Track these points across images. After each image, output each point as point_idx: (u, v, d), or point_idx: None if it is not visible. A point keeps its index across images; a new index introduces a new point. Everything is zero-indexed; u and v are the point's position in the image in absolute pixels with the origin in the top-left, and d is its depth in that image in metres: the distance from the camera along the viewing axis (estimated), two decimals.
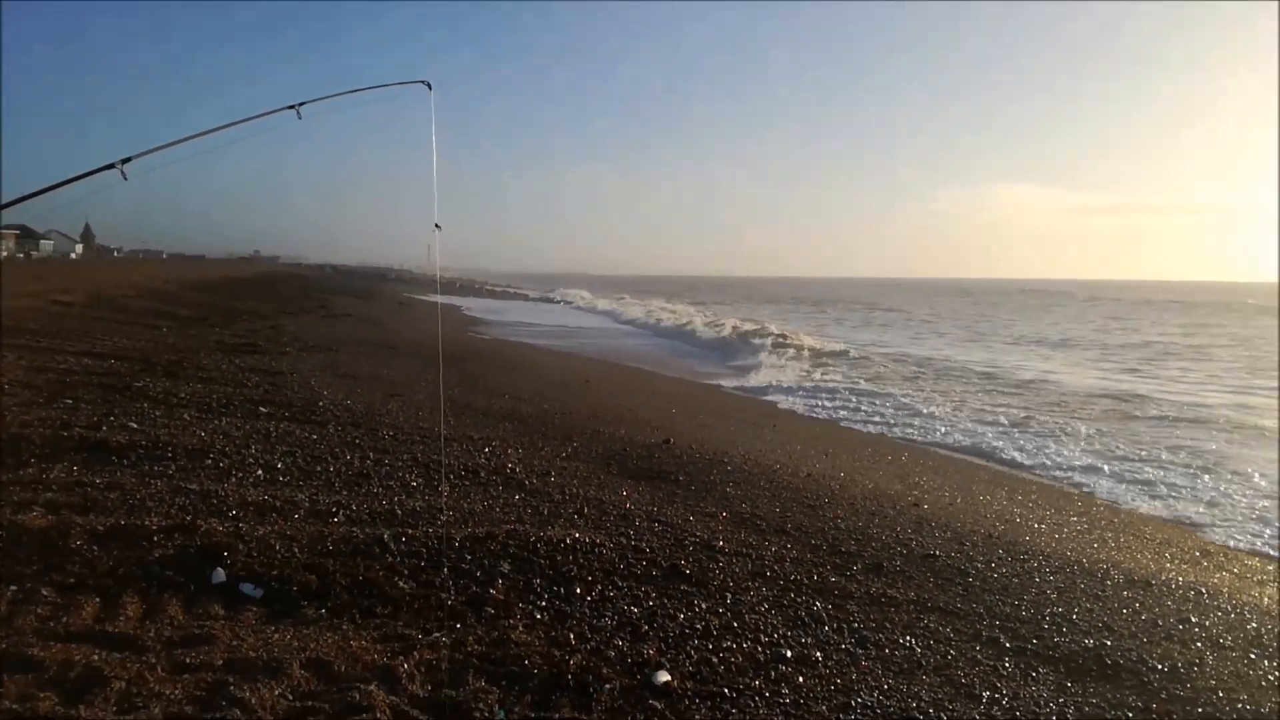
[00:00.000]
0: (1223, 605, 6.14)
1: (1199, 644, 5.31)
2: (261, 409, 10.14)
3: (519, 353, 24.52)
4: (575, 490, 7.64)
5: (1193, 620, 5.72)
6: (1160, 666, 4.86)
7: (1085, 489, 11.24)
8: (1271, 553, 8.63)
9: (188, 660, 4.04)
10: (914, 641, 4.95)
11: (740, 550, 6.33)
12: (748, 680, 4.30)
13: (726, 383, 21.79)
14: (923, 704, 4.21)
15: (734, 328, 38.07)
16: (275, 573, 5.09)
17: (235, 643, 4.26)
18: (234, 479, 7.03)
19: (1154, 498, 10.80)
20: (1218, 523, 9.70)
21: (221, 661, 4.06)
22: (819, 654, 4.65)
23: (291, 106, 4.17)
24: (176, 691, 3.75)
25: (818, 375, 23.11)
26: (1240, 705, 4.47)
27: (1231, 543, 8.95)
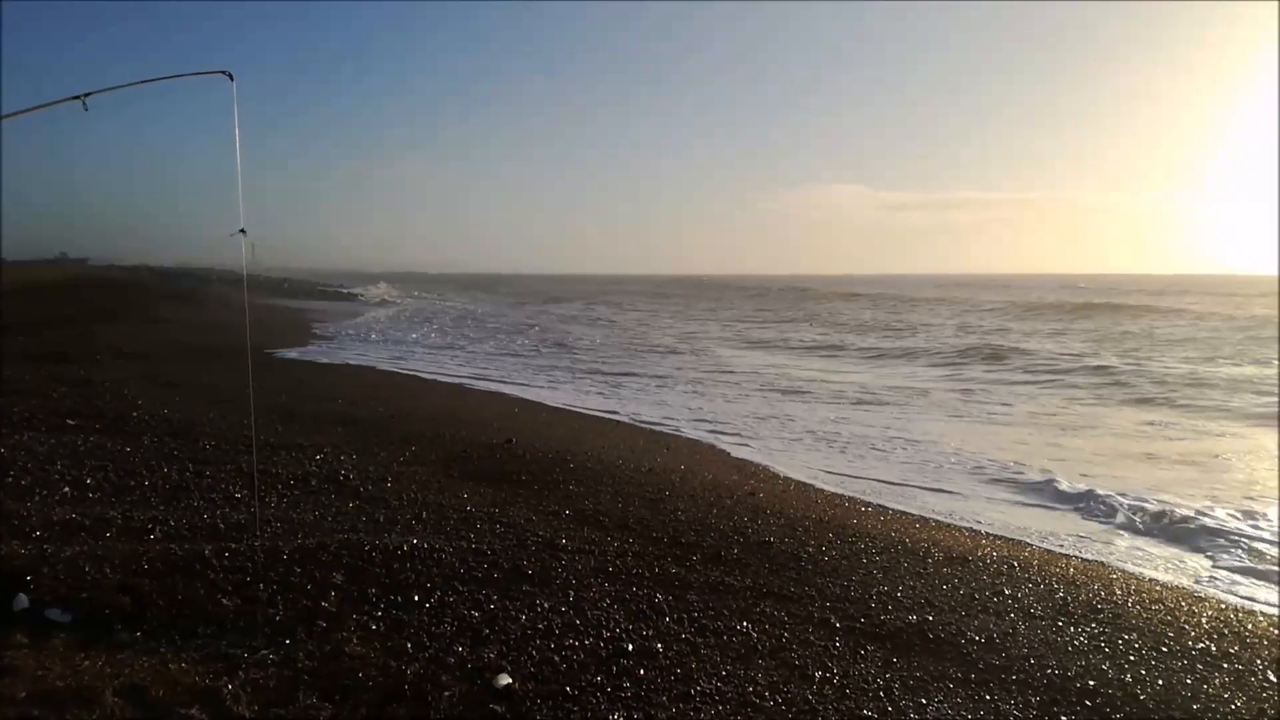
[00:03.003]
0: (1033, 577, 6.58)
1: (1012, 615, 5.67)
2: (69, 421, 9.47)
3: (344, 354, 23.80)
4: (414, 495, 7.47)
5: (1006, 593, 6.11)
6: (978, 638, 5.17)
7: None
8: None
9: None
10: (750, 627, 5.09)
11: (583, 547, 6.35)
12: (590, 677, 4.31)
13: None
14: (759, 688, 4.32)
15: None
16: (85, 596, 4.77)
17: (41, 673, 3.97)
18: (37, 497, 6.53)
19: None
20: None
21: (25, 694, 3.78)
22: (660, 645, 4.72)
23: (77, 97, 3.87)
24: None
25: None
26: (1050, 671, 4.79)
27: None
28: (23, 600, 4.69)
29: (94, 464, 7.61)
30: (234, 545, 5.66)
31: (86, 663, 4.12)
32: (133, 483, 7.15)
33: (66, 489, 6.81)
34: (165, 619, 4.64)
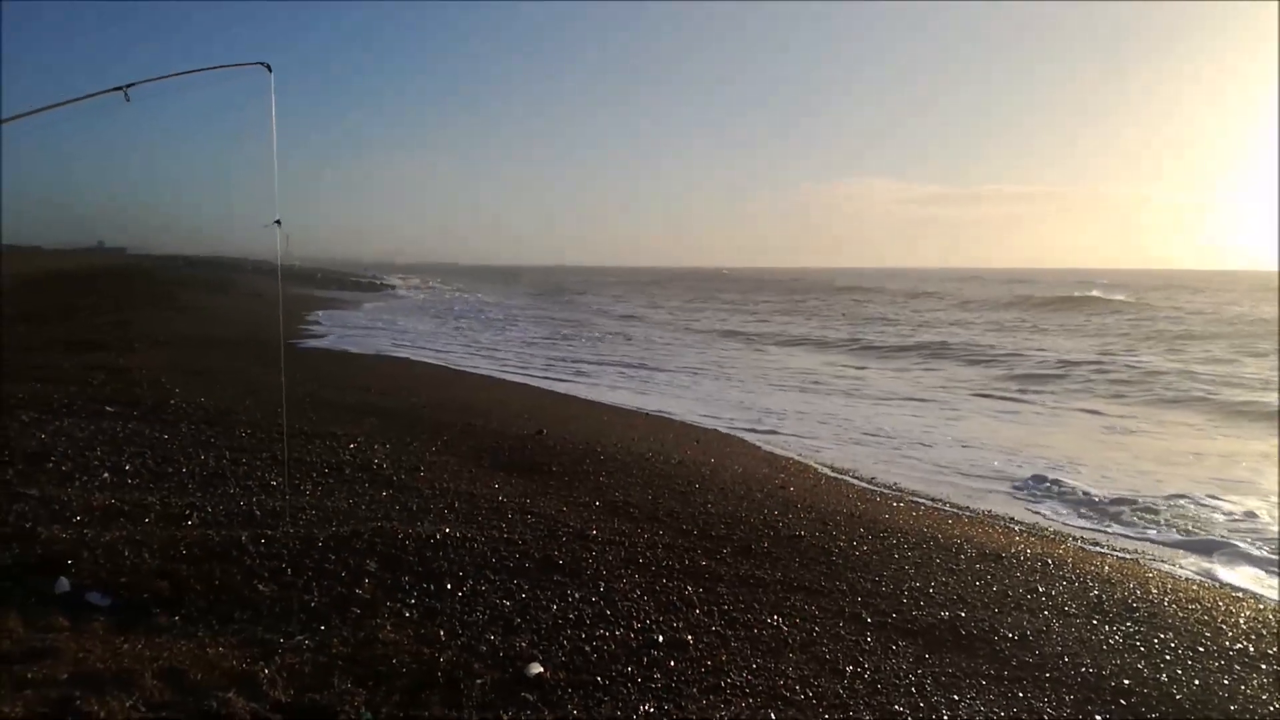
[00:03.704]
0: (1067, 575, 6.51)
1: (1046, 612, 5.62)
2: (108, 408, 9.60)
3: (378, 348, 23.98)
4: (446, 484, 7.52)
5: (1040, 590, 6.05)
6: (1011, 635, 5.12)
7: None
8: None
9: (29, 675, 3.79)
10: (781, 620, 5.08)
11: (613, 539, 6.36)
12: (620, 667, 4.32)
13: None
14: (789, 681, 4.32)
15: None
16: (124, 580, 4.83)
17: (82, 655, 4.02)
18: (78, 483, 6.63)
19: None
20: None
21: (66, 675, 3.83)
22: (690, 637, 4.71)
23: (119, 88, 3.92)
24: (17, 709, 3.51)
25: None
26: (1084, 669, 4.74)
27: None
28: (64, 584, 4.76)
29: (133, 450, 7.72)
30: (270, 532, 5.72)
31: (126, 646, 4.18)
32: (170, 469, 7.25)
33: (106, 475, 6.92)
34: (203, 604, 4.70)
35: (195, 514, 6.09)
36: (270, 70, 4.42)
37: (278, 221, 4.81)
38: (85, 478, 6.79)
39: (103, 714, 3.52)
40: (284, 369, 7.80)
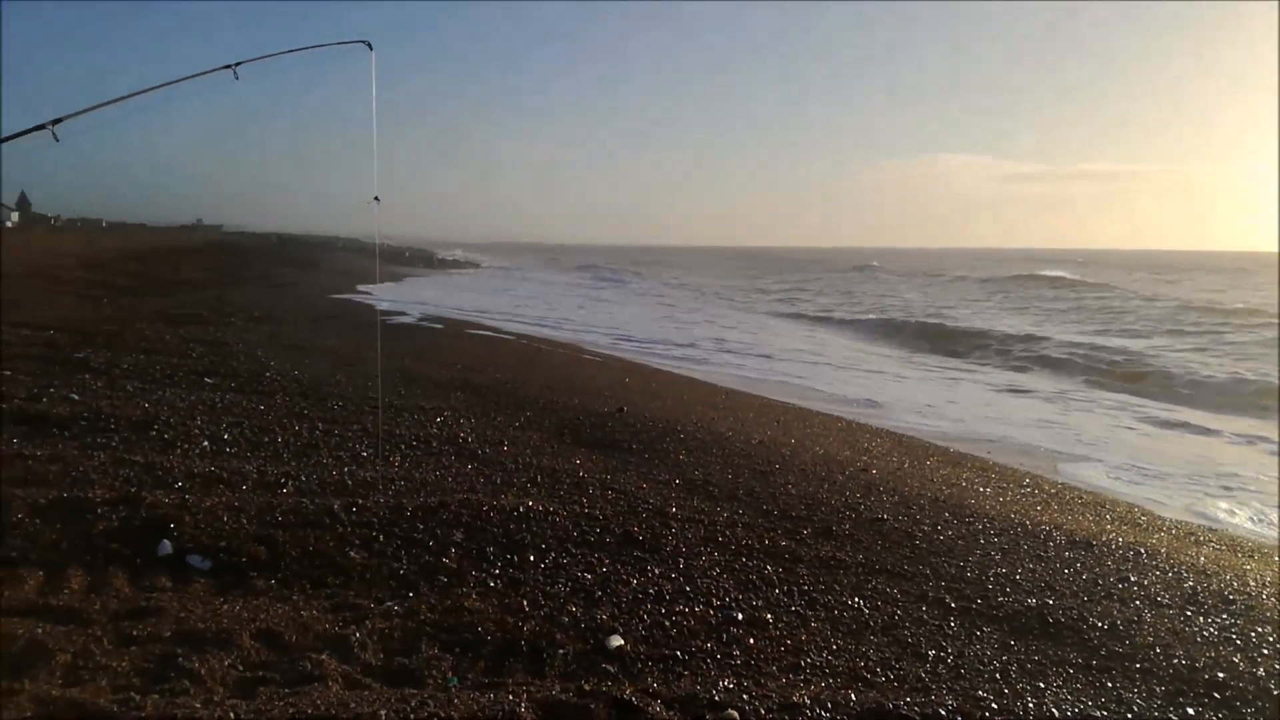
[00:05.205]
0: (1160, 565, 6.31)
1: (1137, 602, 5.47)
2: (206, 380, 9.96)
3: (461, 323, 24.36)
4: (528, 459, 7.63)
5: (1132, 579, 5.89)
6: (1100, 624, 5.00)
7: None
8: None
9: (135, 633, 3.99)
10: (862, 603, 5.04)
11: (693, 516, 6.38)
12: (700, 643, 4.35)
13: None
14: (870, 663, 4.29)
15: None
16: (223, 544, 5.03)
17: (184, 614, 4.21)
18: (179, 450, 6.91)
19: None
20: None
21: (170, 633, 4.01)
22: (769, 616, 4.72)
23: (228, 66, 4.06)
24: (124, 664, 3.70)
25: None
26: (1176, 661, 4.61)
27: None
28: (166, 546, 4.97)
29: (230, 420, 8.00)
30: (361, 501, 5.89)
31: (225, 607, 4.36)
32: (266, 439, 7.50)
33: (205, 443, 7.19)
34: (297, 569, 4.87)
35: (290, 482, 6.30)
36: (371, 48, 4.52)
37: (376, 199, 4.93)
38: (186, 445, 7.07)
39: (203, 671, 3.68)
40: (379, 344, 7.98)
